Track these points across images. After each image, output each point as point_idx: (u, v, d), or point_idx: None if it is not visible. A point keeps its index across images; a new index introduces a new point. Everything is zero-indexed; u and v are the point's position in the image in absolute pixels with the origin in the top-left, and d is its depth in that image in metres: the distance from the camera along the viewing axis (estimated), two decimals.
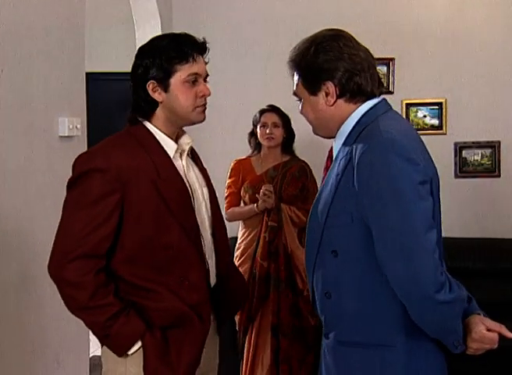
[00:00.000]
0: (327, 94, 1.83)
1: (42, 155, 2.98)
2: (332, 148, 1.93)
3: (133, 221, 1.93)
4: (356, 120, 1.83)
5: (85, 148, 3.35)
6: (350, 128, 1.83)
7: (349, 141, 1.81)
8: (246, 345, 3.69)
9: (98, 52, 5.56)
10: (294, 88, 1.91)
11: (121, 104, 6.76)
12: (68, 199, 1.96)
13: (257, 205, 3.64)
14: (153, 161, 1.96)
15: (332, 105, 1.84)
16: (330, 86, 1.82)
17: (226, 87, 4.56)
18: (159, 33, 4.54)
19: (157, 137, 2.01)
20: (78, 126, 3.22)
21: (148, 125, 2.02)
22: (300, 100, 1.92)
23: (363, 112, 1.83)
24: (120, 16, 5.74)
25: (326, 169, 1.94)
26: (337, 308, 1.82)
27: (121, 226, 1.93)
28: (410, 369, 1.76)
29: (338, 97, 1.83)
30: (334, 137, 1.91)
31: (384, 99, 1.89)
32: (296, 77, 1.90)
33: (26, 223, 2.87)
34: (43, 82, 2.98)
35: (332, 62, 1.81)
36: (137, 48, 4.88)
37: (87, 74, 3.49)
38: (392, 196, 1.66)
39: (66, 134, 3.13)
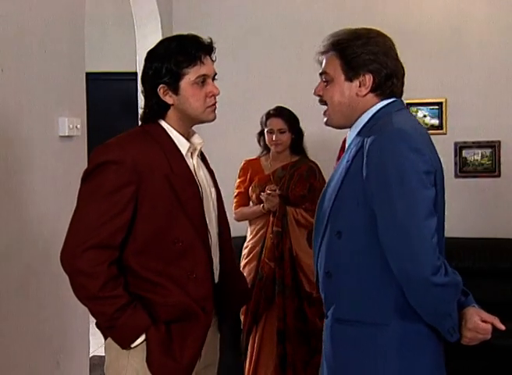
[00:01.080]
0: (361, 84, 1.91)
1: (42, 155, 2.98)
2: (345, 139, 2.02)
3: (146, 213, 1.97)
4: (372, 114, 1.92)
5: (85, 148, 3.36)
6: (366, 120, 1.92)
7: (363, 132, 1.90)
8: (249, 347, 3.68)
9: (98, 52, 5.56)
10: (325, 68, 1.96)
11: (121, 104, 6.79)
12: (83, 190, 1.99)
13: (263, 206, 3.65)
14: (167, 157, 2.02)
15: (361, 96, 1.92)
16: (369, 78, 1.90)
17: (228, 88, 4.55)
18: (159, 33, 4.55)
19: (170, 134, 2.07)
20: (78, 126, 3.22)
21: (163, 123, 2.08)
22: (326, 81, 1.96)
23: (380, 107, 1.93)
24: (120, 16, 5.75)
25: (338, 158, 2.02)
26: (336, 286, 1.91)
27: (134, 218, 1.97)
28: (402, 350, 1.84)
29: (371, 90, 1.91)
30: (345, 128, 2.00)
31: (400, 99, 1.99)
32: (331, 58, 1.94)
33: (27, 223, 2.87)
34: (43, 82, 2.98)
35: (379, 57, 1.90)
36: (137, 48, 4.90)
37: (87, 74, 3.49)
38: (398, 182, 1.76)
39: (66, 134, 3.13)
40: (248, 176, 3.80)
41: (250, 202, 3.81)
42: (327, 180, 2.05)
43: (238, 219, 3.76)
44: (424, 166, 1.78)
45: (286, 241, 3.61)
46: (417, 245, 1.74)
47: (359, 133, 1.92)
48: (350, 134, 1.97)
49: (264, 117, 3.77)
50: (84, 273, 1.91)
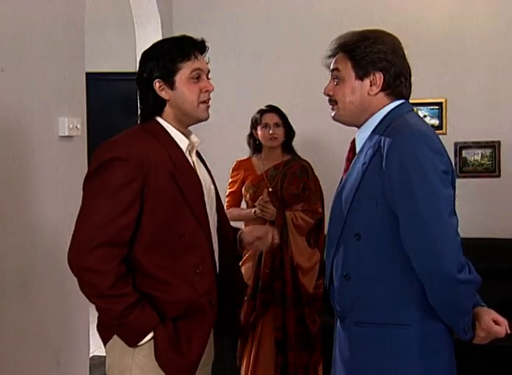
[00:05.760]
0: (372, 84, 1.93)
1: (42, 155, 2.98)
2: (353, 140, 2.02)
3: (152, 209, 1.98)
4: (383, 115, 1.93)
5: (85, 148, 3.36)
6: (377, 122, 1.93)
7: (376, 133, 1.91)
8: (246, 355, 3.64)
9: (98, 52, 5.55)
10: (336, 65, 1.97)
11: (121, 104, 6.79)
12: (89, 188, 1.99)
13: (254, 211, 3.60)
14: (169, 153, 2.03)
15: (372, 95, 1.93)
16: (379, 77, 1.92)
17: (225, 88, 4.56)
18: (159, 33, 4.56)
19: (169, 131, 2.09)
20: (78, 126, 3.22)
21: (161, 120, 2.10)
22: (336, 79, 1.97)
23: (390, 108, 1.94)
24: (120, 16, 5.74)
25: (348, 159, 2.03)
26: (355, 289, 1.91)
27: (140, 215, 1.97)
28: (423, 349, 1.85)
29: (381, 89, 1.93)
30: (352, 126, 2.00)
31: (407, 101, 1.99)
32: (341, 58, 1.96)
33: (27, 223, 2.87)
34: (43, 82, 2.99)
35: (388, 56, 1.92)
36: (137, 48, 4.91)
37: (87, 74, 3.49)
38: (420, 183, 1.78)
39: (66, 134, 3.13)
40: (240, 177, 3.78)
41: (243, 202, 3.80)
42: (336, 182, 2.04)
43: (229, 219, 3.75)
44: (442, 166, 1.81)
45: (286, 252, 3.58)
46: (443, 243, 1.77)
47: (372, 135, 1.92)
48: (360, 135, 1.98)
49: (257, 115, 3.74)
50: (94, 271, 1.91)
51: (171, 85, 2.05)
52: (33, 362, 2.91)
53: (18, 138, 2.81)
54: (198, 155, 2.24)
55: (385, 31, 2.01)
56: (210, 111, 2.14)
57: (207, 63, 2.11)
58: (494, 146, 4.53)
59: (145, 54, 2.12)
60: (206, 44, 2.11)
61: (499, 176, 4.55)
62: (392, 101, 1.95)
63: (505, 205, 4.54)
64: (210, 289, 2.05)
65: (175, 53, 2.04)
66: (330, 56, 2.00)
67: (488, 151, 4.54)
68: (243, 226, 3.77)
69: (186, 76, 2.05)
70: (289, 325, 3.56)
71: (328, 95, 2.00)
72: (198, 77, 2.07)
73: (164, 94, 2.07)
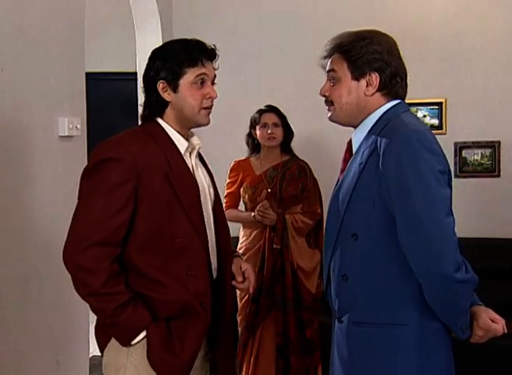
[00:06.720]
0: (368, 84, 1.93)
1: (42, 155, 2.98)
2: (350, 141, 2.02)
3: (146, 210, 1.99)
4: (379, 115, 1.94)
5: (85, 148, 3.36)
6: (374, 122, 1.93)
7: (372, 133, 1.91)
8: (246, 359, 3.63)
9: (98, 52, 5.56)
10: (331, 66, 1.98)
11: (121, 104, 6.78)
12: (84, 187, 2.01)
13: (254, 215, 3.59)
14: (165, 155, 2.04)
15: (369, 96, 1.94)
16: (375, 77, 1.93)
17: (225, 88, 4.54)
18: (159, 33, 4.56)
19: (169, 133, 2.10)
20: (78, 126, 3.22)
21: (161, 122, 2.11)
22: (332, 79, 1.98)
23: (386, 108, 1.95)
24: (120, 16, 5.74)
25: (345, 160, 2.02)
26: (353, 290, 1.91)
27: (134, 215, 1.99)
28: (421, 348, 1.86)
29: (377, 89, 1.93)
30: (348, 126, 2.01)
31: (403, 101, 2.00)
32: (337, 59, 1.96)
33: (27, 223, 2.87)
34: (43, 82, 2.99)
35: (384, 56, 1.92)
36: (137, 48, 4.90)
37: (87, 74, 3.50)
38: (417, 182, 1.79)
39: (66, 134, 3.13)
40: (239, 177, 3.77)
41: (241, 203, 3.79)
42: (334, 183, 2.04)
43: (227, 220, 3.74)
44: (439, 165, 1.82)
45: (287, 256, 3.58)
46: (440, 243, 1.77)
47: (368, 135, 1.93)
48: (357, 136, 1.98)
49: (256, 115, 3.74)
50: (86, 270, 1.93)
51: (174, 88, 2.06)
52: (33, 362, 2.91)
53: (18, 138, 2.81)
54: (200, 157, 2.24)
55: (381, 31, 2.01)
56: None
57: (215, 69, 2.12)
58: (494, 146, 4.53)
59: (154, 53, 2.12)
60: (216, 51, 2.11)
61: (498, 176, 4.55)
62: (388, 102, 1.95)
63: (505, 205, 4.54)
64: (203, 292, 2.05)
65: (182, 57, 2.05)
66: (326, 57, 2.00)
67: (487, 151, 4.55)
68: (241, 226, 3.78)
69: (190, 80, 2.06)
70: (291, 329, 3.56)
71: (324, 96, 2.00)
72: (202, 83, 2.07)
73: (166, 95, 2.07)
